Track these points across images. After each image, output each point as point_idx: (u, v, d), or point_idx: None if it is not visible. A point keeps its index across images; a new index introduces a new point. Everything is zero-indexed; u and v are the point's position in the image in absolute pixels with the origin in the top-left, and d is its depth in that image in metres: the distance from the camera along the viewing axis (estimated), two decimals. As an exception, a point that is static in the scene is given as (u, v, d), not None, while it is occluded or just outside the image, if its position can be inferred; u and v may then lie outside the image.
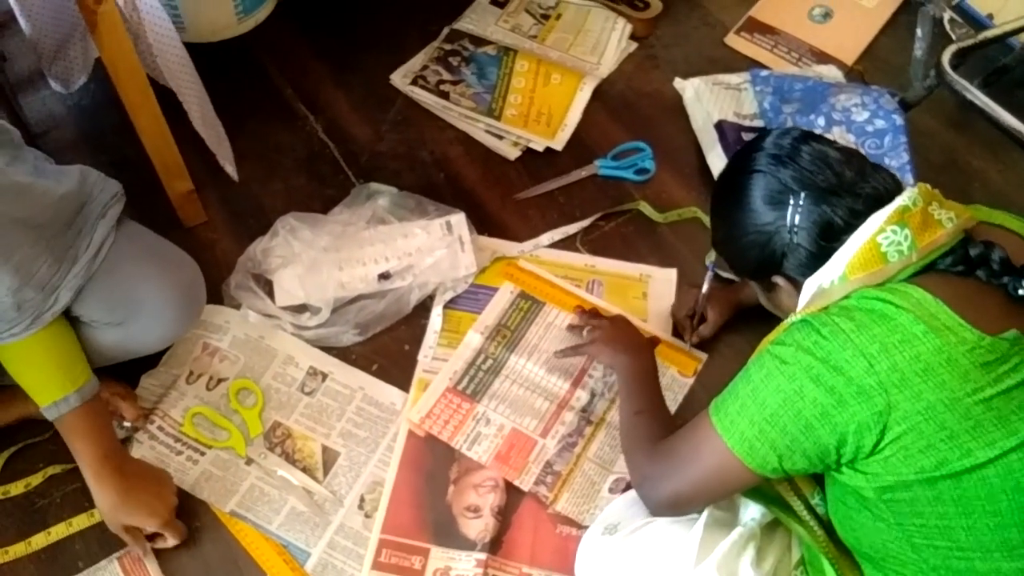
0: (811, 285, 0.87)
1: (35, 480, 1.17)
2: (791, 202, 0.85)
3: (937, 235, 0.81)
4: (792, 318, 0.85)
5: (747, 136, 1.48)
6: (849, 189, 0.85)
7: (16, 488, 1.16)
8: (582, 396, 1.25)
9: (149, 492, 1.08)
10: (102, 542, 1.12)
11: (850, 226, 0.84)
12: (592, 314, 1.29)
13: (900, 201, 0.83)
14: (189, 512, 1.15)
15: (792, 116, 1.45)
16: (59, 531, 1.13)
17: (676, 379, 1.28)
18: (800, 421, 0.79)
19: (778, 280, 0.91)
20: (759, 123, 1.51)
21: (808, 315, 0.82)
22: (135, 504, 1.05)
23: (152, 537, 1.10)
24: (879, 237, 0.81)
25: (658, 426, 1.03)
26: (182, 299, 1.12)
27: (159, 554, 1.11)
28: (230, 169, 1.38)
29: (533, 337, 1.30)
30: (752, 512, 0.96)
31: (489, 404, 1.24)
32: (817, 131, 1.39)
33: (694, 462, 0.90)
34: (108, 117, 1.52)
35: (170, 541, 1.09)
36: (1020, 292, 0.79)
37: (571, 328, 1.30)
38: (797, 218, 0.85)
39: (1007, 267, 0.81)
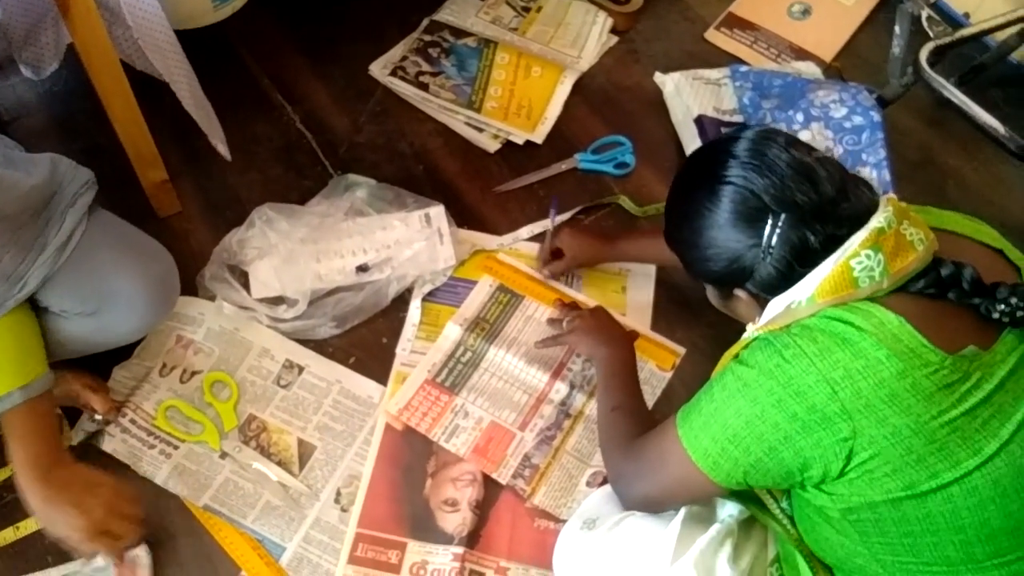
0: (777, 305, 0.84)
1: (3, 474, 1.14)
2: (768, 222, 0.81)
3: (909, 260, 0.79)
4: (754, 332, 0.85)
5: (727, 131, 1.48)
6: (829, 210, 0.80)
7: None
8: (561, 389, 1.24)
9: (71, 503, 0.98)
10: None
11: (826, 250, 0.80)
12: (572, 307, 1.29)
13: (875, 223, 0.79)
14: (161, 509, 1.14)
15: (771, 112, 1.45)
16: (27, 526, 1.10)
17: (654, 373, 1.28)
18: (763, 444, 0.79)
19: (739, 293, 0.89)
20: (739, 118, 1.51)
21: (771, 334, 0.81)
22: (55, 515, 0.97)
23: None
24: (852, 261, 0.78)
25: (634, 423, 1.03)
26: (155, 289, 1.10)
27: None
28: (222, 149, 1.35)
29: (512, 330, 1.30)
30: (729, 509, 0.96)
31: (468, 397, 1.23)
32: (795, 127, 1.42)
33: (662, 469, 0.91)
34: (80, 104, 1.49)
35: (126, 539, 1.02)
36: (995, 315, 0.78)
37: (551, 321, 1.30)
38: (774, 239, 0.81)
39: (978, 288, 0.79)
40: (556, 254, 1.33)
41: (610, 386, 1.11)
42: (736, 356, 0.86)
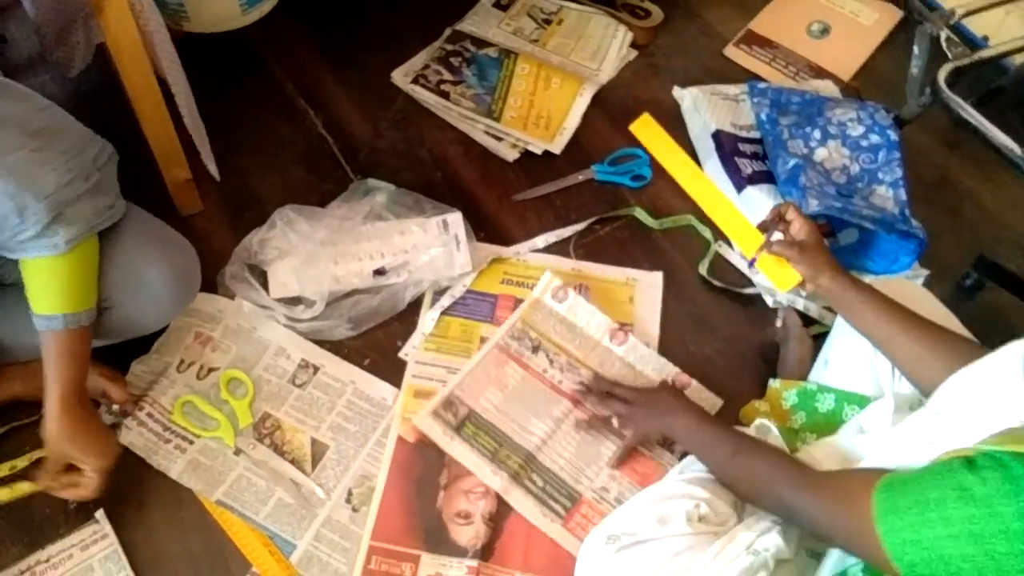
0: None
1: (20, 463, 1.16)
2: None
3: None
4: (985, 446, 0.74)
5: (745, 147, 1.49)
6: None
7: (1, 470, 1.16)
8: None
9: (99, 437, 1.07)
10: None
11: None
12: (605, 396, 1.21)
13: None
14: (174, 500, 1.15)
15: (789, 128, 1.46)
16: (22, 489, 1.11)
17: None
18: (975, 570, 0.69)
19: None
20: (756, 134, 1.52)
21: (1006, 453, 0.70)
22: (84, 440, 1.05)
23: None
24: None
25: (761, 456, 0.97)
26: (178, 281, 1.12)
27: (143, 540, 1.11)
28: (212, 168, 1.37)
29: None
30: (766, 542, 0.92)
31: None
32: (813, 143, 1.43)
33: (838, 524, 0.82)
34: (106, 103, 1.51)
35: (88, 492, 1.07)
36: None
37: (590, 424, 1.23)
38: None
39: None
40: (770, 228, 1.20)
41: (710, 439, 1.04)
42: (967, 459, 0.73)
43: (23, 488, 1.11)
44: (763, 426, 1.08)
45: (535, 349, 1.30)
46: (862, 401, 1.05)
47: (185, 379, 1.24)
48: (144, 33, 1.14)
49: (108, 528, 1.11)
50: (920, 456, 0.80)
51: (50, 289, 1.01)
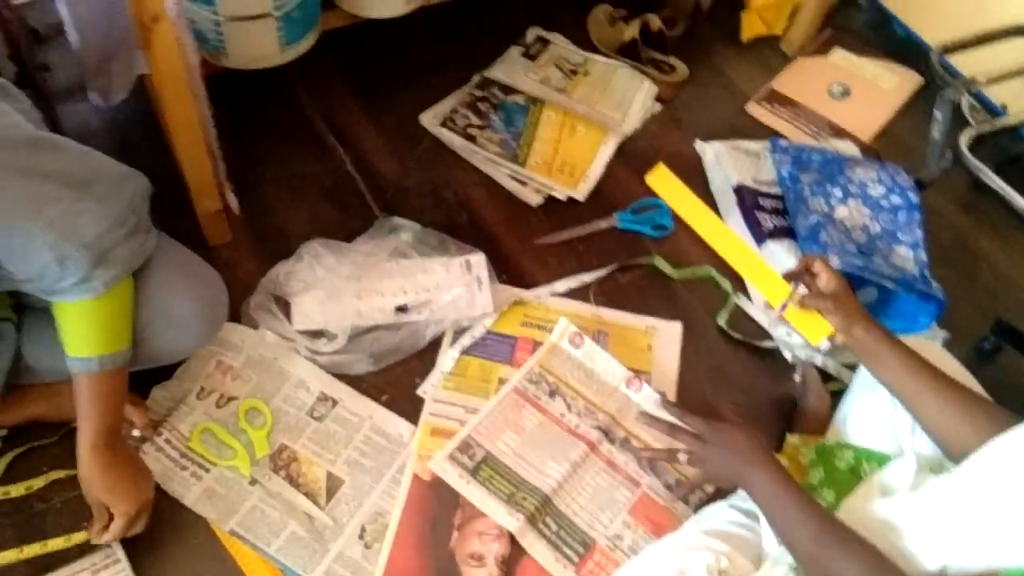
0: None
1: (37, 483, 1.16)
2: None
3: None
4: None
5: (766, 202, 1.51)
6: None
7: (17, 490, 1.16)
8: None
9: (130, 478, 1.08)
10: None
11: None
12: (674, 428, 1.14)
13: None
14: (188, 528, 1.15)
15: (810, 185, 1.49)
16: (56, 544, 1.11)
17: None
18: None
19: None
20: (776, 190, 1.55)
21: None
22: (114, 484, 1.06)
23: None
24: None
25: (851, 551, 0.88)
26: (206, 312, 1.14)
27: (154, 566, 1.11)
28: (233, 203, 1.40)
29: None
30: None
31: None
32: (834, 201, 1.45)
33: None
34: (141, 132, 1.55)
35: (111, 535, 1.08)
36: None
37: (651, 457, 1.20)
38: None
39: None
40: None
41: (793, 512, 0.94)
42: None
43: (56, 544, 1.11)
44: None
45: (552, 394, 1.31)
46: (881, 459, 1.05)
47: (204, 407, 1.25)
48: (186, 67, 1.17)
49: (120, 553, 1.11)
50: (951, 525, 0.80)
51: (86, 331, 1.02)
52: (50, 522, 1.14)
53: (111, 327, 1.04)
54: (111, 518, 1.07)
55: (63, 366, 1.08)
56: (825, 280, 1.12)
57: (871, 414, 1.10)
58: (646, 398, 1.30)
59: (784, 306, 1.21)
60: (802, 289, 1.18)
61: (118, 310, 1.05)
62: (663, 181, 1.26)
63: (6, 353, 1.11)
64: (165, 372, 1.25)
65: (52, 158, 0.95)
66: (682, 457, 1.09)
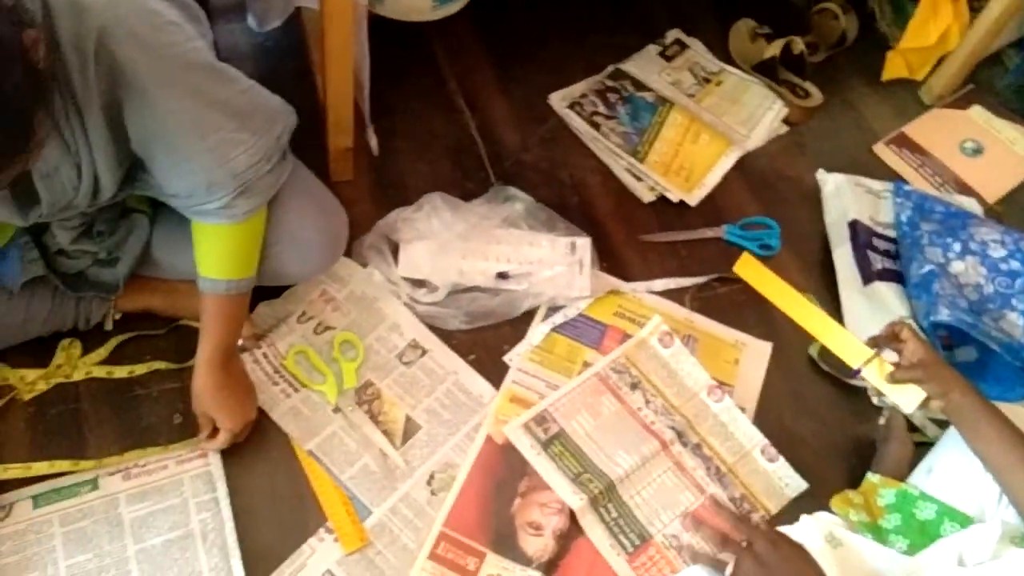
0: None
1: (139, 369, 1.23)
2: None
3: None
4: None
5: (879, 243, 1.49)
6: None
7: (120, 372, 1.22)
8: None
9: (238, 397, 1.15)
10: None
11: None
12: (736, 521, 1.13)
13: None
14: (270, 441, 1.20)
15: (929, 235, 1.46)
16: (155, 451, 1.17)
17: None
18: None
19: None
20: (891, 233, 1.52)
21: None
22: (223, 400, 1.12)
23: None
24: None
25: None
26: (329, 243, 1.19)
27: (232, 470, 1.16)
28: (374, 142, 1.45)
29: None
30: None
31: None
32: (951, 255, 1.42)
33: None
34: (286, 63, 1.61)
35: (217, 444, 1.14)
36: None
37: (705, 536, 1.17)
38: None
39: None
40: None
41: None
42: None
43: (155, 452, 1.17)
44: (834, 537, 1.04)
45: (634, 386, 1.32)
46: (964, 521, 1.04)
47: (303, 330, 1.30)
48: (354, 5, 1.21)
49: (212, 454, 1.16)
50: None
51: (219, 255, 1.08)
52: (145, 408, 1.21)
53: (242, 254, 1.10)
54: (214, 428, 1.14)
55: (184, 266, 1.14)
56: (912, 348, 1.11)
57: (958, 473, 1.08)
58: (725, 409, 1.31)
59: (862, 367, 1.18)
60: (890, 355, 1.16)
61: (250, 239, 1.10)
62: (749, 268, 1.31)
63: (138, 242, 1.17)
64: (273, 291, 1.31)
65: (222, 86, 1.00)
66: (728, 570, 0.96)
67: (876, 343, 1.17)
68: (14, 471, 1.10)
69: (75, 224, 1.10)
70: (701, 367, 1.34)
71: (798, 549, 0.93)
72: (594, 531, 1.17)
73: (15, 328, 1.16)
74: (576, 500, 1.18)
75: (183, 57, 0.93)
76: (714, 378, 1.33)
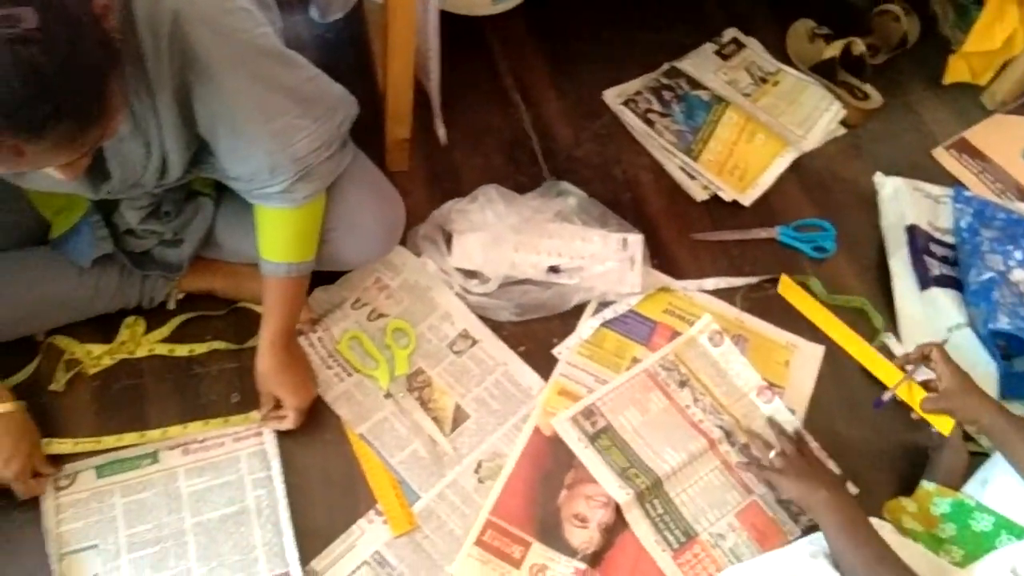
0: None
1: (199, 348, 1.26)
2: None
3: None
4: None
5: (937, 248, 1.47)
6: None
7: (181, 350, 1.26)
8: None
9: (299, 377, 1.19)
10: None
11: None
12: (783, 433, 1.24)
13: None
14: (323, 423, 1.23)
15: (989, 242, 1.44)
16: (216, 424, 1.20)
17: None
18: None
19: None
20: (950, 239, 1.50)
21: None
22: (288, 380, 1.16)
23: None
24: None
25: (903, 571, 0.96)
26: (386, 230, 1.21)
27: (287, 450, 1.19)
28: (441, 132, 1.47)
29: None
30: None
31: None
32: (1011, 263, 1.40)
33: None
34: (346, 55, 1.64)
35: (289, 424, 1.18)
36: None
37: (743, 467, 1.24)
38: None
39: None
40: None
41: (858, 536, 1.02)
42: None
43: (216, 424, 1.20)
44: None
45: (682, 384, 1.32)
46: (1021, 533, 1.02)
47: (357, 316, 1.32)
48: (420, -1, 1.23)
49: (268, 432, 1.19)
50: None
51: (280, 238, 1.11)
52: (204, 386, 1.24)
53: (302, 237, 1.13)
54: (276, 406, 1.17)
55: (245, 250, 1.17)
56: (940, 372, 1.13)
57: (1015, 486, 1.07)
58: (776, 411, 1.30)
59: (893, 389, 1.23)
60: (922, 373, 1.18)
61: (310, 223, 1.13)
62: (788, 289, 1.39)
63: (202, 225, 1.21)
64: (329, 276, 1.33)
65: (288, 73, 1.02)
66: (772, 457, 1.18)
67: (906, 362, 1.20)
68: (85, 445, 1.14)
69: (143, 204, 1.14)
70: (751, 367, 1.33)
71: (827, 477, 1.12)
72: (639, 526, 1.18)
73: (84, 304, 1.20)
74: (622, 495, 1.18)
75: (252, 42, 0.96)
76: (764, 379, 1.33)
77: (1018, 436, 1.04)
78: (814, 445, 1.28)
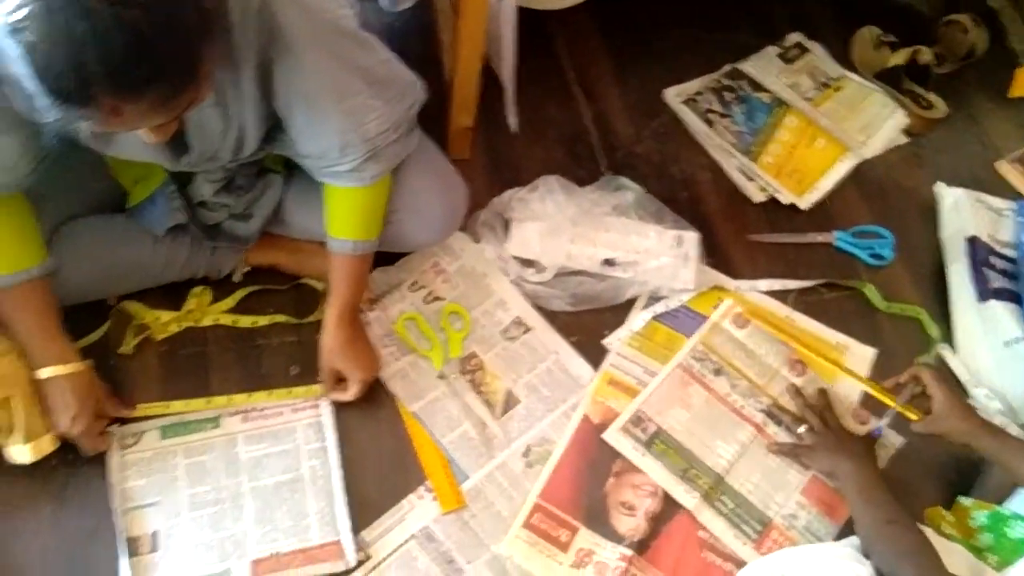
0: None
1: (262, 321, 1.30)
2: None
3: None
4: None
5: (997, 261, 1.46)
6: None
7: (244, 321, 1.30)
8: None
9: (365, 353, 1.23)
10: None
11: None
12: (807, 406, 1.27)
13: None
14: (378, 400, 1.26)
15: (1051, 257, 1.42)
16: (279, 395, 1.23)
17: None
18: None
19: None
20: (1010, 252, 1.48)
21: None
22: (353, 354, 1.19)
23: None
24: None
25: (913, 535, 1.02)
26: (450, 216, 1.24)
27: (342, 423, 1.22)
28: (513, 121, 1.49)
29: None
30: None
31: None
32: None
33: None
34: (414, 44, 1.66)
35: (352, 395, 1.21)
36: None
37: (776, 449, 1.26)
38: None
39: None
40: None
41: (873, 498, 1.09)
42: None
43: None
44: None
45: (717, 372, 1.33)
46: None
47: (413, 298, 1.35)
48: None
49: (321, 400, 1.23)
50: None
51: (348, 216, 1.15)
52: (265, 357, 1.28)
53: (368, 216, 1.16)
54: (336, 382, 1.21)
55: (311, 227, 1.21)
56: (931, 395, 1.14)
57: None
58: (809, 382, 1.31)
59: (887, 418, 1.23)
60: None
61: (377, 202, 1.17)
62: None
63: (271, 200, 1.24)
64: (388, 258, 1.36)
65: (364, 54, 1.05)
66: (803, 436, 1.24)
67: (898, 384, 1.21)
68: (154, 408, 1.19)
69: (218, 178, 1.18)
70: (778, 341, 1.34)
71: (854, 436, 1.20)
72: (715, 525, 1.19)
73: (155, 271, 1.25)
74: (690, 500, 1.19)
75: (335, 23, 0.99)
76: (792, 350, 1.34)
77: (1012, 456, 1.06)
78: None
